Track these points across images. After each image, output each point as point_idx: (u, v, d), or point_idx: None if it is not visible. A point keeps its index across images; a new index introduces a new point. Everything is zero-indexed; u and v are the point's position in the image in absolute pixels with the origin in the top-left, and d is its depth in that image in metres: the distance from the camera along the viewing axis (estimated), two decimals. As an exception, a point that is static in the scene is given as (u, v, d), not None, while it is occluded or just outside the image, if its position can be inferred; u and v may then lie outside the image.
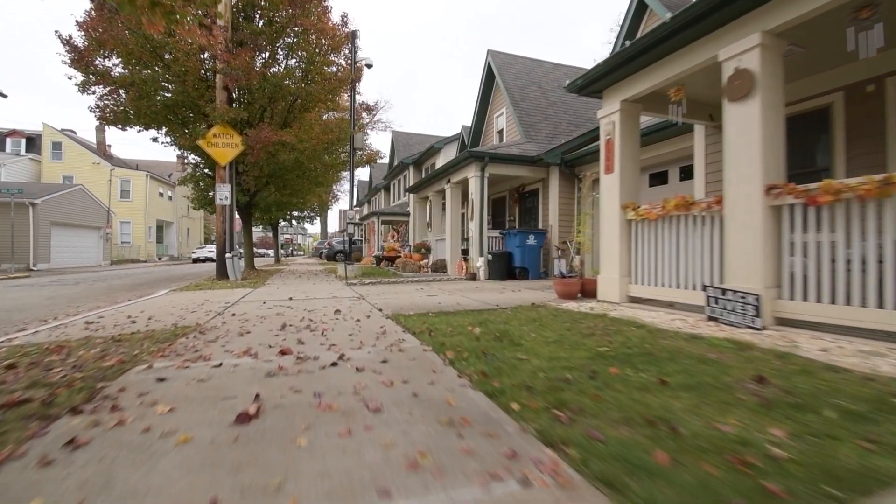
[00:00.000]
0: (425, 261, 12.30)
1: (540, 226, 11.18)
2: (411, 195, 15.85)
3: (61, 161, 32.52)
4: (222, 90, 10.63)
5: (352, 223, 12.19)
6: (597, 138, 10.98)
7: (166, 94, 10.85)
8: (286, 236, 50.91)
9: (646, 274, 5.20)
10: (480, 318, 4.46)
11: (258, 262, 31.00)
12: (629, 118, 5.64)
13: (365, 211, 39.62)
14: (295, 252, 58.64)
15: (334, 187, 32.83)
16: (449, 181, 11.89)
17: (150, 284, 11.17)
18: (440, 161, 20.88)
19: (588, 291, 6.14)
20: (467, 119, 23.45)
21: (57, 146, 32.56)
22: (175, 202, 39.96)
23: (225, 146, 10.54)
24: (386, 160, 33.39)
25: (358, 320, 4.41)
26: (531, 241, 9.96)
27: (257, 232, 79.27)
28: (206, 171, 12.51)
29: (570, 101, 13.29)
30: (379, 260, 18.27)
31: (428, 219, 13.86)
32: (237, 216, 13.37)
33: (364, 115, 14.61)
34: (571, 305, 5.39)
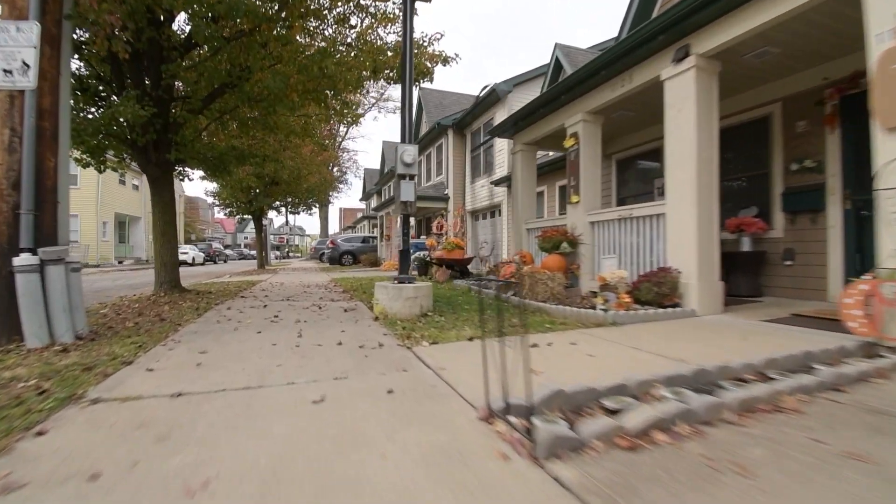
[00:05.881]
0: (615, 275, 4.66)
1: None
2: (505, 144, 8.30)
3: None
4: None
5: (406, 175, 4.64)
6: None
7: None
8: (279, 235, 43.19)
9: None
10: None
11: (229, 268, 23.21)
12: None
13: (375, 202, 31.86)
14: (291, 254, 50.74)
15: (343, 155, 24.83)
16: (686, 53, 4.33)
17: None
18: (500, 116, 13.22)
19: None
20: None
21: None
22: (143, 192, 31.85)
23: None
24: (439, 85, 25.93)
25: None
26: None
27: (248, 233, 69.78)
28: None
29: None
30: (425, 266, 10.64)
31: (572, 180, 6.23)
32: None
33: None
34: None
